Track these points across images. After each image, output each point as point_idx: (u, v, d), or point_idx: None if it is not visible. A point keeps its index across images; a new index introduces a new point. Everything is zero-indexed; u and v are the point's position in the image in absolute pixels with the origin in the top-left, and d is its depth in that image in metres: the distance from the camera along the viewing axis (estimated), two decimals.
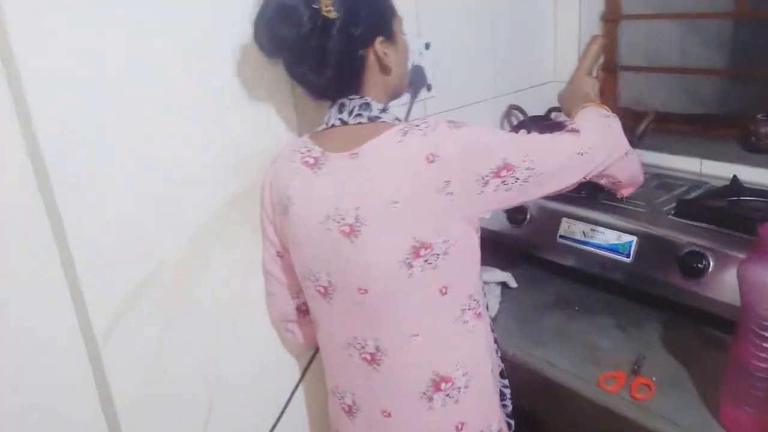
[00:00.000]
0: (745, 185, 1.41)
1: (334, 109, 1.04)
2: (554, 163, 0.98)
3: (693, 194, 1.44)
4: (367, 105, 1.02)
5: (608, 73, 1.73)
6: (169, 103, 1.00)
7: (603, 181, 1.08)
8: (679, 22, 1.70)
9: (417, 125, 0.96)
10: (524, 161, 0.94)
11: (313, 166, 1.02)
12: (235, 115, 1.10)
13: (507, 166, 0.93)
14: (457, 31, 1.49)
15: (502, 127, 1.64)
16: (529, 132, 1.04)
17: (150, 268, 1.01)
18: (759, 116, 1.53)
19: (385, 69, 1.04)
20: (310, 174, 1.01)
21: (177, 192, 1.03)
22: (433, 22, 1.43)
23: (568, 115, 1.20)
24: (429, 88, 1.46)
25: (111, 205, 0.96)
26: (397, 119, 1.04)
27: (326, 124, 1.05)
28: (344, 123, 1.02)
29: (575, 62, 1.39)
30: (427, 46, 1.43)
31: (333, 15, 0.95)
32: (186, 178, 1.04)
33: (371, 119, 1.01)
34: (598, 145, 1.02)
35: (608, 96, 1.74)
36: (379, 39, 1.01)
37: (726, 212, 1.28)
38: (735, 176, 1.43)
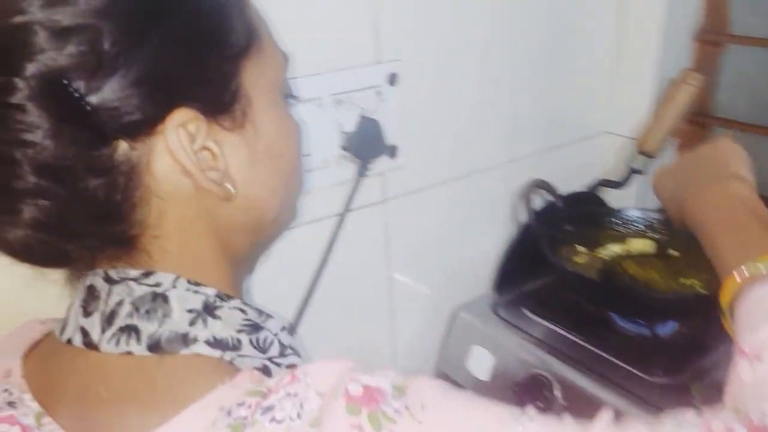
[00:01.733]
0: None
1: (77, 300, 0.45)
2: None
3: None
4: (155, 301, 0.43)
5: (697, 126, 1.08)
6: None
7: None
8: None
9: (275, 393, 0.40)
10: None
11: None
12: None
13: None
14: (445, 53, 0.85)
15: (516, 217, 1.00)
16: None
17: None
18: None
19: (214, 189, 0.44)
20: None
21: None
22: (404, 39, 0.80)
23: (698, 230, 0.65)
24: (392, 154, 0.83)
25: None
26: (236, 341, 0.45)
27: (60, 333, 0.45)
28: (90, 345, 0.43)
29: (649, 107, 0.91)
30: (392, 79, 0.79)
31: None
32: None
33: (160, 346, 0.42)
34: None
35: None
36: (182, 114, 0.42)
37: None
38: None
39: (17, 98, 0.36)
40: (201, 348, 0.43)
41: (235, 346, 0.44)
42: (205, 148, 0.43)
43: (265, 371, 0.45)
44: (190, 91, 0.42)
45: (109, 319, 0.43)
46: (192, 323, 0.43)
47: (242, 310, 0.47)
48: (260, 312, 0.48)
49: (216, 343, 0.44)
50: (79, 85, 0.37)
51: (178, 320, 0.43)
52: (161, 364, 0.42)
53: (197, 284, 0.45)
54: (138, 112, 0.39)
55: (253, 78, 0.46)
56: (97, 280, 0.44)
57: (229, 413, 0.39)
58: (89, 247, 0.42)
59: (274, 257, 0.75)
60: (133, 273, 0.43)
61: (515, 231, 1.00)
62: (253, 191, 0.47)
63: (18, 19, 0.37)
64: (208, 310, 0.45)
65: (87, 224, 0.41)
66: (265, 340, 0.47)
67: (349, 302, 0.86)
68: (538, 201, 0.99)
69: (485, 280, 1.00)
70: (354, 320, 0.88)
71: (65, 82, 0.37)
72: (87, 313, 0.44)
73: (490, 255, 1.00)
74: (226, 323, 0.45)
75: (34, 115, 0.37)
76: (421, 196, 0.88)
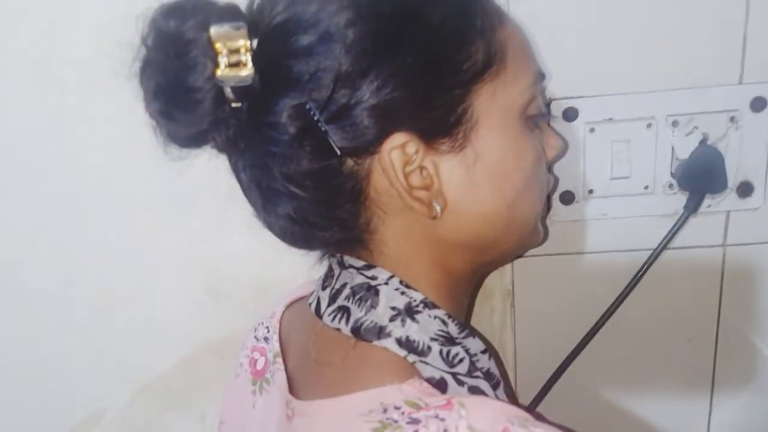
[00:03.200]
0: None
1: (321, 276, 0.54)
2: None
3: None
4: (369, 291, 0.48)
5: None
6: None
7: None
8: None
9: (426, 411, 0.41)
10: None
11: (257, 377, 0.56)
12: None
13: None
14: None
15: None
16: None
17: None
18: None
19: (418, 207, 0.47)
20: (248, 395, 0.56)
21: None
22: None
23: None
24: (744, 192, 0.69)
25: None
26: (426, 347, 0.48)
27: (309, 296, 0.56)
28: (318, 314, 0.51)
29: None
30: (758, 104, 0.65)
31: (240, 77, 0.42)
32: None
33: (359, 331, 0.48)
34: None
35: None
36: (399, 138, 0.45)
37: None
38: None
39: (273, 119, 0.44)
40: (390, 344, 0.46)
41: (423, 352, 0.47)
42: (422, 167, 0.45)
43: (440, 383, 0.46)
44: (413, 116, 0.44)
45: (333, 296, 0.50)
46: (392, 319, 0.47)
47: (443, 321, 0.48)
48: (463, 328, 0.49)
49: (405, 343, 0.47)
50: (319, 113, 0.43)
51: (381, 313, 0.47)
52: (356, 347, 0.48)
53: (407, 286, 0.48)
54: (362, 138, 0.44)
55: (485, 101, 0.46)
56: (333, 262, 0.52)
57: (384, 410, 0.42)
58: (328, 239, 0.50)
59: (561, 279, 0.72)
60: (358, 263, 0.50)
61: None
62: (467, 211, 0.48)
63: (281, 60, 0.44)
64: (410, 312, 0.48)
65: (324, 221, 0.48)
66: (455, 356, 0.48)
67: (654, 346, 0.76)
68: None
69: None
70: (657, 361, 0.77)
71: (310, 111, 0.43)
72: (323, 287, 0.52)
73: None
74: (423, 328, 0.47)
75: (283, 133, 0.44)
76: None
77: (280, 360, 0.54)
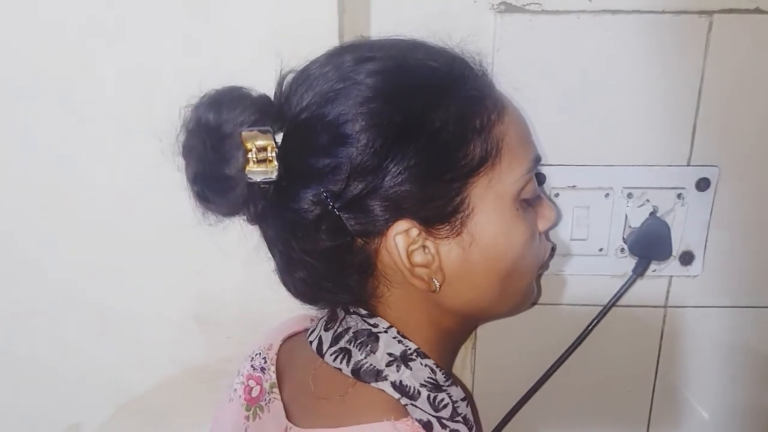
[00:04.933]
0: None
1: (325, 317, 0.60)
2: None
3: None
4: (370, 337, 0.55)
5: None
6: None
7: None
8: None
9: None
10: None
11: (252, 404, 0.60)
12: None
13: None
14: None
15: None
16: None
17: None
18: None
19: (418, 283, 0.53)
20: (241, 419, 0.60)
21: None
22: (721, 144, 0.73)
23: None
24: (685, 261, 0.77)
25: None
26: (416, 392, 0.54)
27: (309, 334, 0.61)
28: (320, 352, 0.57)
29: None
30: (702, 185, 0.74)
31: (267, 173, 0.51)
32: None
33: (359, 373, 0.53)
34: None
35: None
36: (402, 225, 0.51)
37: None
38: None
39: (296, 205, 0.51)
40: (386, 386, 0.52)
41: (414, 396, 0.53)
42: (424, 246, 0.51)
43: (428, 425, 0.52)
44: (416, 206, 0.50)
45: (336, 338, 0.56)
46: (388, 365, 0.53)
47: (432, 370, 0.55)
48: (448, 378, 0.55)
49: (399, 387, 0.52)
50: (335, 201, 0.50)
51: (379, 358, 0.53)
52: (355, 386, 0.53)
53: (404, 337, 0.55)
54: (371, 223, 0.50)
55: (481, 191, 0.52)
56: (340, 310, 0.57)
57: None
58: (337, 300, 0.56)
59: (520, 327, 0.78)
60: (362, 311, 0.56)
61: None
62: (463, 285, 0.54)
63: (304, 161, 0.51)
64: (405, 359, 0.54)
65: (335, 287, 0.54)
66: (441, 401, 0.54)
67: (597, 396, 0.83)
68: None
69: None
70: (598, 410, 0.84)
71: (327, 199, 0.50)
72: (326, 329, 0.58)
73: None
74: (414, 375, 0.53)
75: (303, 217, 0.50)
76: (715, 313, 0.79)
77: (276, 390, 0.59)
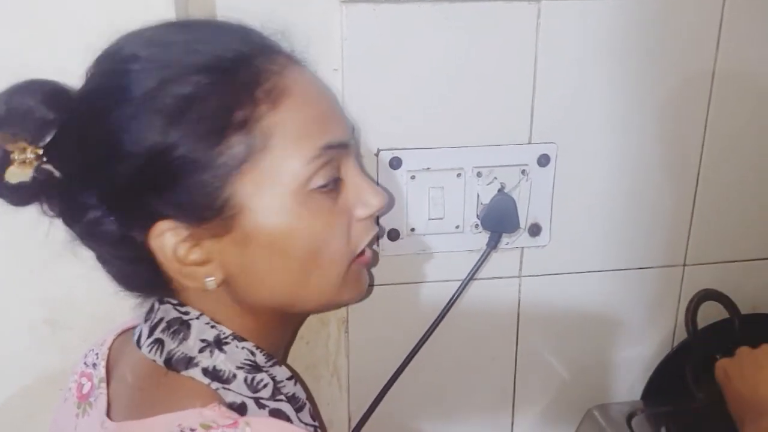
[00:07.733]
0: None
1: (146, 310, 0.59)
2: None
3: None
4: (182, 325, 0.55)
5: None
6: None
7: None
8: None
9: (215, 430, 0.46)
10: None
11: (82, 401, 0.59)
12: None
13: None
14: (600, 140, 0.82)
15: (684, 326, 0.90)
16: None
17: None
18: None
19: (189, 283, 0.54)
20: (72, 417, 0.59)
21: None
22: (560, 122, 0.80)
23: None
24: (534, 232, 0.83)
25: None
26: (231, 375, 0.54)
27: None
28: (138, 344, 0.56)
29: None
30: (543, 160, 0.80)
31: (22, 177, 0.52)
32: None
33: (171, 362, 0.53)
34: None
35: None
36: (162, 225, 0.51)
37: None
38: None
39: (68, 203, 0.53)
40: (196, 373, 0.52)
41: (227, 380, 0.53)
42: (195, 245, 0.51)
43: (240, 407, 0.52)
44: (172, 207, 0.50)
45: (152, 329, 0.55)
46: (201, 351, 0.53)
47: (251, 352, 0.55)
48: (270, 358, 0.56)
49: (211, 372, 0.53)
50: (101, 202, 0.51)
51: (191, 346, 0.53)
52: (167, 375, 0.53)
53: (217, 322, 0.55)
54: (131, 226, 0.51)
55: (249, 188, 0.50)
56: (155, 302, 0.57)
57: (181, 431, 0.47)
58: (143, 291, 0.57)
59: (389, 307, 0.82)
60: (174, 301, 0.56)
61: (678, 342, 0.90)
62: (252, 282, 0.54)
63: None
64: (218, 343, 0.54)
65: (134, 278, 0.56)
66: (260, 381, 0.54)
67: (464, 366, 0.88)
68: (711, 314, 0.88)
69: (638, 384, 0.92)
70: (466, 380, 0.89)
71: (94, 201, 0.51)
72: (145, 320, 0.57)
73: (645, 360, 0.92)
74: (229, 358, 0.54)
75: (77, 215, 0.52)
76: (565, 280, 0.86)
77: (103, 385, 0.58)
